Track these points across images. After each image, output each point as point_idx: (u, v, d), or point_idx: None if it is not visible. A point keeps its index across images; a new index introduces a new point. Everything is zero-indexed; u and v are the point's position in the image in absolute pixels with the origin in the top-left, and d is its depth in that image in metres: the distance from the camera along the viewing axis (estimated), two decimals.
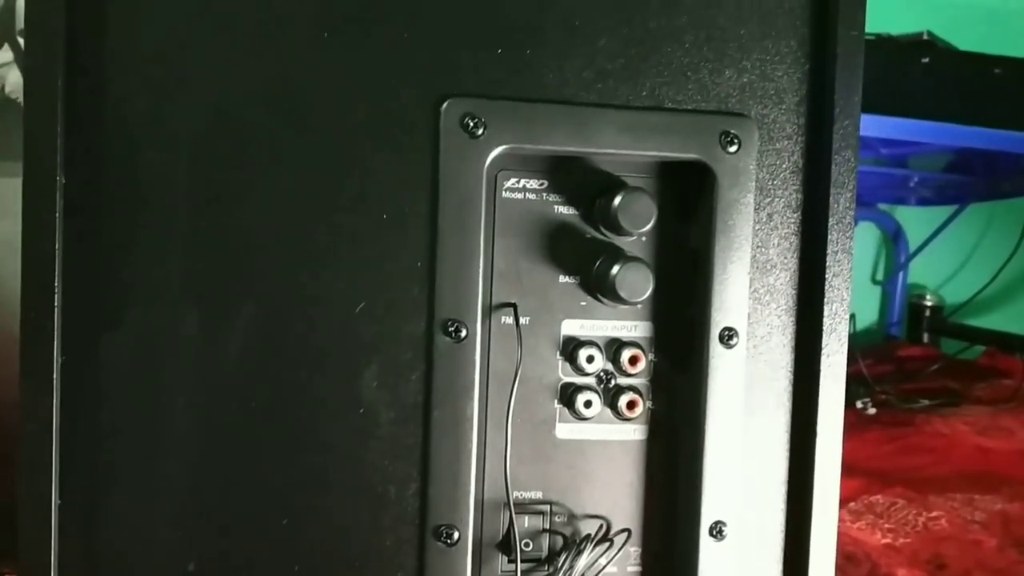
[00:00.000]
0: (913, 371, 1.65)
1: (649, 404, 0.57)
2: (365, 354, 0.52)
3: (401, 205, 0.51)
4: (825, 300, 0.55)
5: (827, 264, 0.55)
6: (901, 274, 1.93)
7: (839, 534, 1.06)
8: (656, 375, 0.57)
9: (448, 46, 0.52)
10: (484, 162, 0.51)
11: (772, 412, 0.56)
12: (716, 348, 0.55)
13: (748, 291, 0.55)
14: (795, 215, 0.56)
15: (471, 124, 0.51)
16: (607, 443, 0.56)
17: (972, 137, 1.29)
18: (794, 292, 0.56)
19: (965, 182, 1.63)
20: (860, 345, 1.77)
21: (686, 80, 0.54)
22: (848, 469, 1.18)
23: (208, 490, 0.51)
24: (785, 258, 0.56)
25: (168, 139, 0.50)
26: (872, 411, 1.40)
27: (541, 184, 0.55)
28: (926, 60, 1.31)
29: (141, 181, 0.50)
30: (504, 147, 0.52)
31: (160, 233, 0.50)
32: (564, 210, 0.55)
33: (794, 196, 0.56)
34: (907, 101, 1.27)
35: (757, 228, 0.55)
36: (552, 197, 0.55)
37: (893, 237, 1.95)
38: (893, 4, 1.57)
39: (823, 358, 0.55)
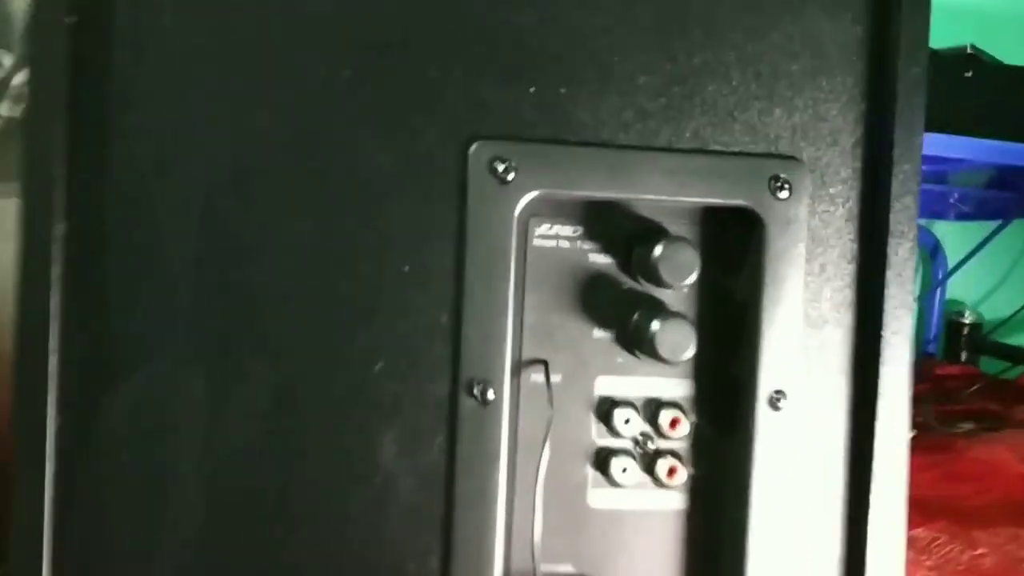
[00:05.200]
0: (951, 391, 1.59)
1: (690, 470, 0.53)
2: (384, 417, 0.48)
3: (425, 255, 0.48)
4: (882, 360, 0.51)
5: (885, 321, 0.51)
6: (939, 290, 1.87)
7: None
8: (698, 438, 0.53)
9: (477, 85, 0.48)
10: (515, 209, 0.48)
11: (825, 482, 0.52)
12: (763, 411, 0.50)
13: (799, 349, 0.51)
14: (850, 266, 0.51)
15: (501, 168, 0.47)
16: (644, 512, 0.52)
17: (1016, 154, 1.24)
18: (848, 351, 0.52)
19: (1007, 198, 1.58)
20: None
21: (733, 120, 0.50)
22: None
23: (215, 564, 0.47)
24: (839, 313, 0.52)
25: (177, 185, 0.46)
26: (910, 435, 1.35)
27: (575, 231, 0.51)
28: (969, 74, 1.26)
29: (147, 230, 0.46)
30: (536, 192, 0.48)
31: (167, 286, 0.46)
32: (599, 259, 0.51)
33: (849, 246, 0.51)
34: (949, 117, 1.22)
35: (808, 280, 0.51)
36: (586, 245, 0.51)
37: (931, 252, 1.89)
38: (936, 17, 1.52)
39: (879, 424, 0.51)
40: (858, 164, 0.51)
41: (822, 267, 0.51)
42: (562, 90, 0.48)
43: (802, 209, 0.50)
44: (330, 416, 0.47)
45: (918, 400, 1.42)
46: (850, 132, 0.51)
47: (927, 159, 1.36)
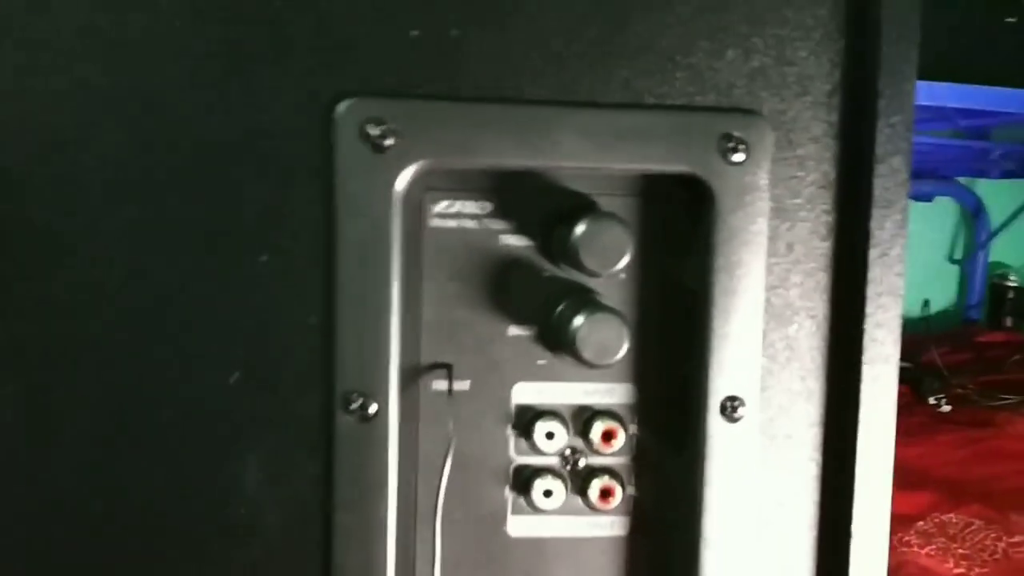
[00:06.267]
0: (994, 360, 1.49)
1: (631, 490, 0.44)
2: (243, 439, 0.40)
3: (285, 243, 0.39)
4: (864, 358, 0.41)
5: (867, 311, 0.41)
6: (981, 252, 1.78)
7: (905, 562, 0.92)
8: (640, 453, 0.44)
9: (342, 26, 0.39)
10: (394, 183, 0.38)
11: (794, 505, 0.43)
12: (716, 422, 0.41)
13: (760, 347, 0.41)
14: (824, 244, 0.42)
15: (376, 132, 0.38)
16: (575, 541, 0.44)
17: None
18: (823, 347, 0.42)
19: None
20: (934, 331, 1.62)
21: (673, 65, 0.40)
22: (917, 480, 1.04)
23: None
24: (810, 302, 0.42)
25: None
26: (946, 408, 1.26)
27: (483, 208, 0.42)
28: (1013, 20, 1.15)
29: None
30: (421, 163, 0.39)
31: None
32: (514, 241, 0.42)
33: (823, 220, 0.42)
34: (989, 66, 1.12)
35: (773, 263, 0.42)
36: (497, 224, 0.42)
37: (973, 213, 1.79)
38: None
39: (861, 436, 0.42)
40: (835, 118, 0.41)
41: (789, 246, 0.42)
42: (454, 31, 0.39)
43: (762, 175, 0.41)
44: (177, 438, 0.39)
45: (957, 370, 1.33)
46: (824, 77, 0.41)
47: (968, 113, 1.25)
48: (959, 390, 1.31)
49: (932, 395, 1.29)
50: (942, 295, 1.81)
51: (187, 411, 0.39)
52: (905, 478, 1.04)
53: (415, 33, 0.39)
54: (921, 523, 0.98)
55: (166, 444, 0.39)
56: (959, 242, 1.83)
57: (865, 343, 0.41)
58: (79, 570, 0.39)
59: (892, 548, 0.93)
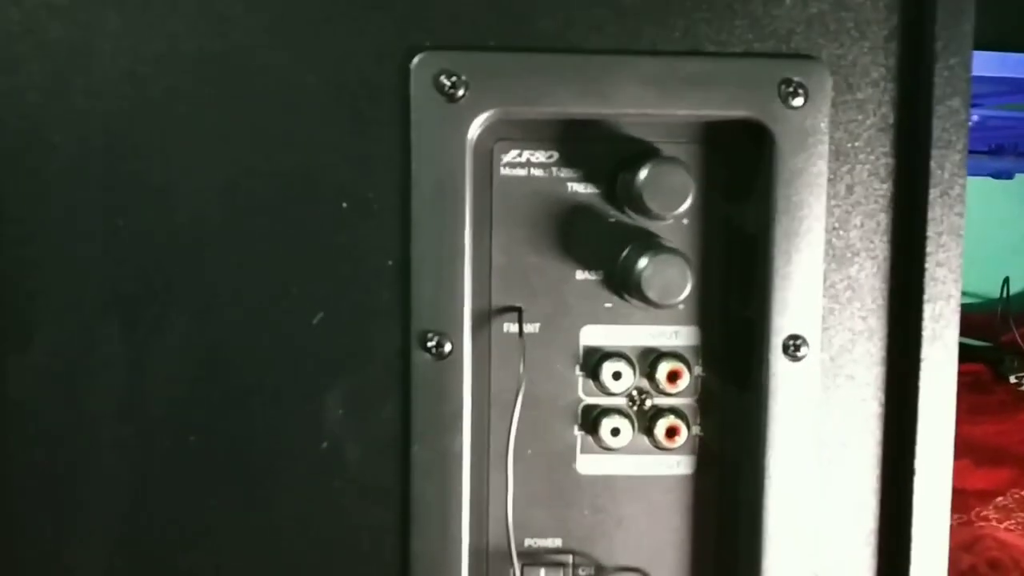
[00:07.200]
0: None
1: (696, 430, 0.45)
2: (326, 376, 0.42)
3: (364, 190, 0.41)
4: (926, 297, 0.42)
5: (928, 250, 0.42)
6: None
7: (983, 535, 0.91)
8: (705, 394, 0.45)
9: None
10: (466, 131, 0.41)
11: (856, 443, 0.44)
12: (779, 361, 0.42)
13: (822, 287, 0.42)
14: (884, 186, 0.43)
15: (448, 84, 0.40)
16: (642, 479, 0.45)
17: None
18: (884, 287, 0.43)
19: None
20: (1016, 310, 1.58)
21: (732, 13, 0.42)
22: (996, 456, 1.03)
23: (141, 545, 0.42)
24: (871, 243, 0.43)
25: (75, 119, 0.41)
26: None
27: (550, 156, 0.44)
28: None
29: (44, 172, 0.41)
30: (491, 111, 0.41)
31: (72, 235, 0.41)
32: (580, 188, 0.44)
33: (882, 162, 0.43)
34: None
35: (833, 205, 0.43)
36: (564, 172, 0.44)
37: None
38: None
39: (924, 373, 0.42)
40: (892, 61, 0.42)
41: (849, 188, 0.43)
42: None
43: (821, 119, 0.42)
44: (264, 375, 0.42)
45: None
46: (882, 22, 0.42)
47: None
48: None
49: (1012, 374, 1.27)
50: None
51: (274, 349, 0.42)
52: (983, 455, 1.03)
53: None
54: (1000, 499, 0.97)
55: (255, 381, 0.42)
56: None
57: (926, 282, 0.42)
58: (172, 500, 0.42)
59: (969, 523, 0.92)
